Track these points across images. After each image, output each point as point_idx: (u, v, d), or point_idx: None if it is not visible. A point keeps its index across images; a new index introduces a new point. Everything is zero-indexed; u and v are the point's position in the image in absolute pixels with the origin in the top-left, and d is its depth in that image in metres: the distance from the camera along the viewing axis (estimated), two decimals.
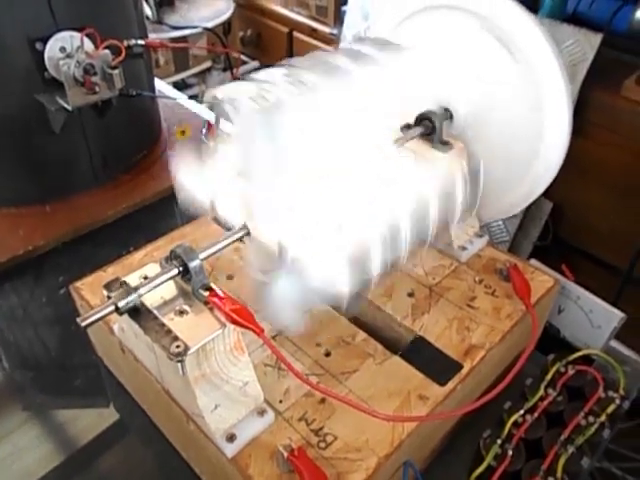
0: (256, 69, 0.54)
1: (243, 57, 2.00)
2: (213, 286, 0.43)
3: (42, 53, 0.68)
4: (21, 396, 0.63)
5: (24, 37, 0.68)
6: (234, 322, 0.41)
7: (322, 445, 0.45)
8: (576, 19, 1.07)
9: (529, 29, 0.51)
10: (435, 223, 0.53)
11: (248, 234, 0.47)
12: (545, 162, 0.56)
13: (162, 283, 0.43)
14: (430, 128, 0.58)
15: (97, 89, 0.69)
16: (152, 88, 0.95)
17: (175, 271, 0.43)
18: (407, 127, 0.59)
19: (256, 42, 2.00)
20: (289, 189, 0.45)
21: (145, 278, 0.44)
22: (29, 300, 0.71)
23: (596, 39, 0.96)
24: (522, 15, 0.51)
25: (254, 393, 0.46)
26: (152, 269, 0.45)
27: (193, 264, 0.42)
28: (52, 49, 0.68)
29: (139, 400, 0.58)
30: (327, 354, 0.53)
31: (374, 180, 0.50)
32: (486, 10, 0.54)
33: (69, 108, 0.70)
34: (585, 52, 0.87)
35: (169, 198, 0.88)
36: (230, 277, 0.60)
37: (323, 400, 0.49)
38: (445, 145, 0.58)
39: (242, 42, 2.01)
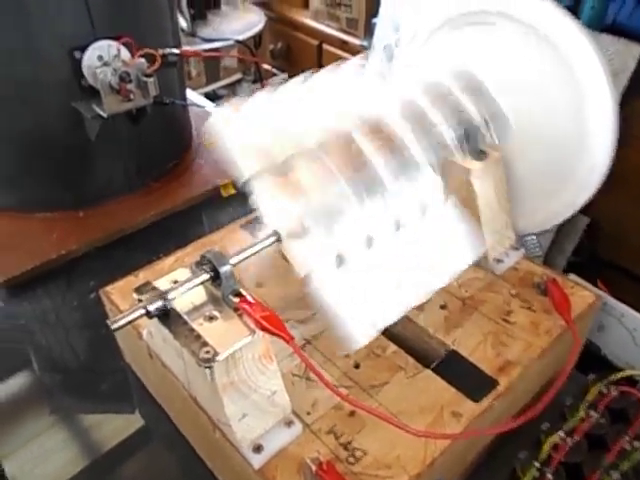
0: (285, 81, 0.54)
1: (273, 69, 2.02)
2: (243, 292, 0.42)
3: (80, 61, 0.70)
4: (49, 399, 0.63)
5: (64, 46, 0.69)
6: (264, 329, 0.40)
7: (351, 460, 0.44)
8: (615, 29, 1.05)
9: (572, 33, 0.50)
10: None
11: (279, 241, 0.46)
12: (590, 168, 0.53)
13: (192, 288, 0.42)
14: (467, 136, 0.57)
15: (132, 97, 0.70)
16: (184, 97, 0.96)
17: (205, 276, 0.42)
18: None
19: (286, 55, 2.02)
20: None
21: (175, 282, 0.43)
22: (61, 304, 0.72)
23: (637, 49, 0.93)
24: (566, 19, 0.50)
25: (282, 403, 0.45)
26: (182, 274, 0.45)
27: (223, 269, 0.42)
28: (90, 57, 0.69)
29: (165, 407, 0.58)
30: (356, 366, 0.52)
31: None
32: (529, 15, 0.52)
33: (104, 115, 0.71)
34: (626, 62, 0.84)
35: (199, 205, 0.89)
36: (260, 285, 0.60)
37: (353, 413, 0.47)
38: (481, 154, 0.57)
39: (272, 55, 2.03)
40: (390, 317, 0.48)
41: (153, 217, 0.84)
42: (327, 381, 0.40)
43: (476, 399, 0.48)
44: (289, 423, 0.45)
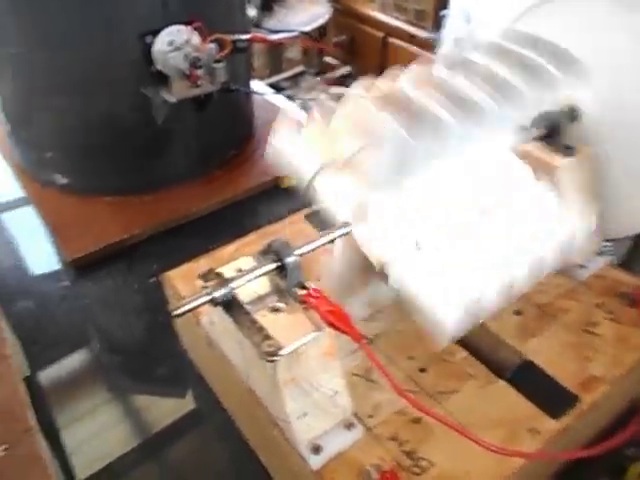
0: (348, 74, 0.52)
1: (336, 62, 1.99)
2: (309, 285, 0.40)
3: (151, 46, 0.70)
4: (106, 378, 0.63)
5: (136, 30, 0.69)
6: (331, 325, 0.37)
7: (416, 470, 0.41)
8: None
9: None
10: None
11: (350, 232, 0.43)
12: None
13: (257, 277, 0.40)
14: (551, 130, 0.53)
15: (200, 82, 0.70)
16: (249, 86, 0.96)
17: (271, 266, 0.40)
18: (523, 129, 0.54)
19: (350, 47, 1.99)
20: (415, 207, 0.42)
21: (240, 271, 0.42)
22: (122, 286, 0.72)
23: None
24: None
25: (343, 404, 0.43)
26: (246, 262, 0.44)
27: (290, 260, 0.40)
28: (161, 42, 0.69)
29: (220, 396, 0.57)
30: (422, 370, 0.49)
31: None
32: None
33: (172, 101, 0.71)
34: None
35: (256, 196, 0.88)
36: (319, 278, 0.57)
37: (418, 420, 0.44)
38: (569, 149, 0.52)
39: (336, 47, 2.01)
40: (489, 303, 0.44)
41: (214, 205, 0.84)
42: (397, 385, 0.37)
43: (555, 416, 0.44)
44: (350, 425, 0.43)
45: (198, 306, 0.38)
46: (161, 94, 0.72)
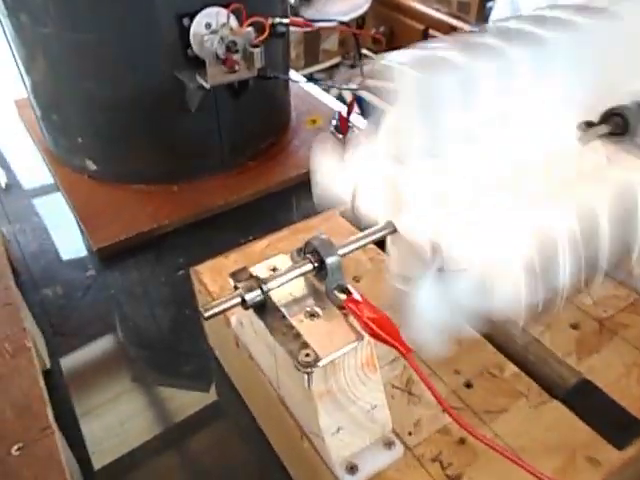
0: None
1: (373, 54, 1.94)
2: (350, 289, 0.36)
3: (188, 29, 0.67)
4: (129, 370, 0.61)
5: (173, 12, 0.66)
6: (374, 335, 0.34)
7: None
8: None
9: None
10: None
11: (394, 232, 0.39)
12: None
13: (293, 278, 0.37)
14: (621, 127, 0.47)
15: (237, 68, 0.67)
16: (287, 74, 0.92)
17: (309, 266, 0.37)
18: (588, 125, 0.49)
19: (389, 39, 1.93)
20: (450, 176, 0.37)
21: (274, 270, 0.38)
22: (149, 278, 0.70)
23: None
24: None
25: (382, 419, 0.39)
26: (282, 261, 0.40)
27: (331, 260, 0.36)
28: (198, 25, 0.66)
29: (247, 399, 0.54)
30: (468, 385, 0.44)
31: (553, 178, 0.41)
32: None
33: (207, 86, 0.68)
34: None
35: (291, 189, 0.84)
36: (357, 279, 0.54)
37: (462, 441, 0.40)
38: None
39: (373, 39, 1.96)
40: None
41: (246, 197, 0.81)
42: (445, 403, 0.33)
43: (620, 445, 0.39)
44: (389, 444, 0.39)
45: (229, 308, 0.34)
46: (196, 79, 0.69)
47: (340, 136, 0.91)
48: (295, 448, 0.43)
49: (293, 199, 0.84)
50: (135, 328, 0.65)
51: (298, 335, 0.34)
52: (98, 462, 0.51)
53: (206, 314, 0.33)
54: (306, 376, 0.34)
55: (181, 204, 0.78)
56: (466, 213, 0.37)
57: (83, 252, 0.74)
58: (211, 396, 0.58)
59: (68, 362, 0.60)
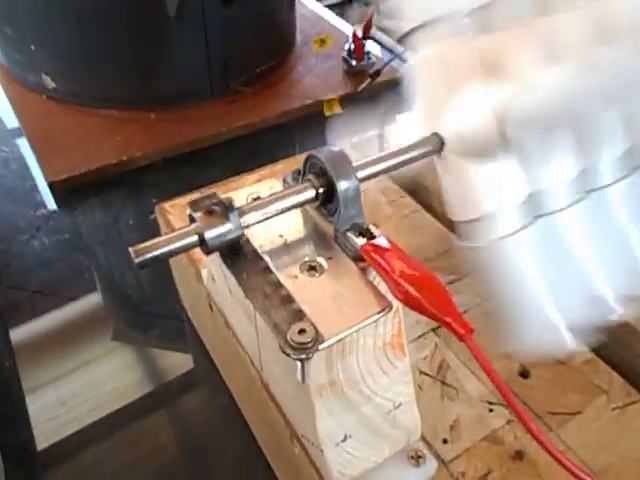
0: None
1: None
2: (373, 229, 0.24)
3: None
4: (82, 330, 0.49)
5: None
6: (411, 303, 0.21)
7: None
8: None
9: None
10: None
11: (439, 150, 0.26)
12: None
13: (285, 211, 0.24)
14: None
15: None
16: None
17: (310, 193, 0.24)
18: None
19: None
20: None
21: (257, 200, 0.25)
22: (114, 221, 0.57)
23: None
24: None
25: (408, 423, 0.27)
26: (268, 187, 0.27)
27: (345, 185, 0.23)
28: None
29: (225, 377, 0.42)
30: (523, 374, 0.32)
31: None
32: None
33: None
34: None
35: (292, 123, 0.71)
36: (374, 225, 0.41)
37: (519, 455, 0.28)
38: None
39: None
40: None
41: (238, 130, 0.68)
42: (526, 416, 0.21)
43: None
44: (417, 457, 0.27)
45: (174, 253, 0.21)
46: None
47: (354, 63, 0.76)
48: (283, 450, 0.31)
49: (295, 135, 0.71)
50: (91, 282, 0.53)
51: (289, 299, 0.22)
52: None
53: (137, 259, 0.21)
54: (299, 364, 0.21)
55: (158, 135, 0.65)
56: None
57: (36, 187, 0.61)
58: (180, 367, 0.46)
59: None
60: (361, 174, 0.24)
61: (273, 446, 0.35)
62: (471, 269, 0.36)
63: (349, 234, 0.23)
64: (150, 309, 0.50)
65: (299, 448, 0.28)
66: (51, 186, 0.58)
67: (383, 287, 0.23)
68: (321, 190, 0.24)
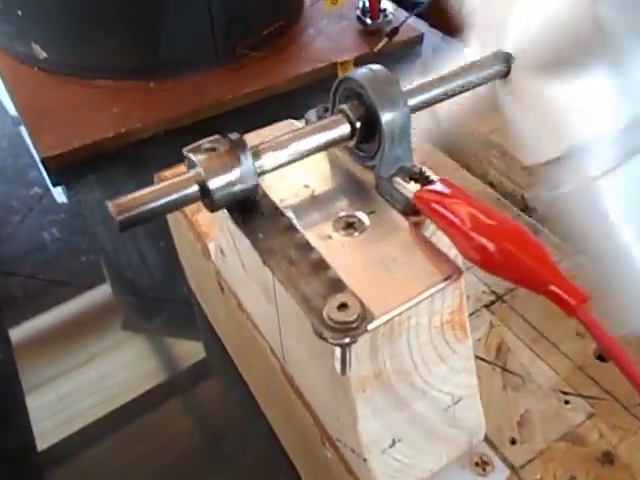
0: None
1: None
2: (428, 171, 0.18)
3: None
4: (80, 318, 0.44)
5: None
6: (492, 266, 0.15)
7: None
8: None
9: None
10: None
11: (508, 69, 0.20)
12: None
13: (312, 153, 0.18)
14: None
15: None
16: None
17: (343, 128, 0.18)
18: None
19: None
20: None
21: (275, 139, 0.20)
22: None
23: None
24: None
25: (470, 420, 0.22)
26: (287, 128, 0.21)
27: (391, 115, 0.17)
28: None
29: (239, 366, 0.37)
30: (601, 356, 0.27)
31: None
32: None
33: None
34: None
35: (304, 88, 0.65)
36: None
37: (609, 457, 0.23)
38: None
39: None
40: None
41: (245, 98, 0.62)
42: None
43: None
44: (483, 464, 0.22)
45: (167, 208, 0.16)
46: None
47: (369, 22, 0.70)
48: (311, 453, 0.26)
49: (307, 102, 0.64)
50: (89, 265, 0.48)
51: (322, 265, 0.16)
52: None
53: (119, 217, 0.15)
54: (338, 351, 0.16)
55: (159, 105, 0.59)
56: None
57: (29, 164, 0.55)
58: (190, 358, 0.41)
59: None
60: (412, 101, 0.18)
61: (298, 446, 0.30)
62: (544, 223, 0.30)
63: (396, 180, 0.18)
64: (157, 293, 0.44)
65: (332, 452, 0.23)
66: (44, 162, 0.53)
67: (445, 246, 0.17)
68: (358, 124, 0.18)
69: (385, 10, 0.71)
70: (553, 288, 0.14)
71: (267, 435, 0.33)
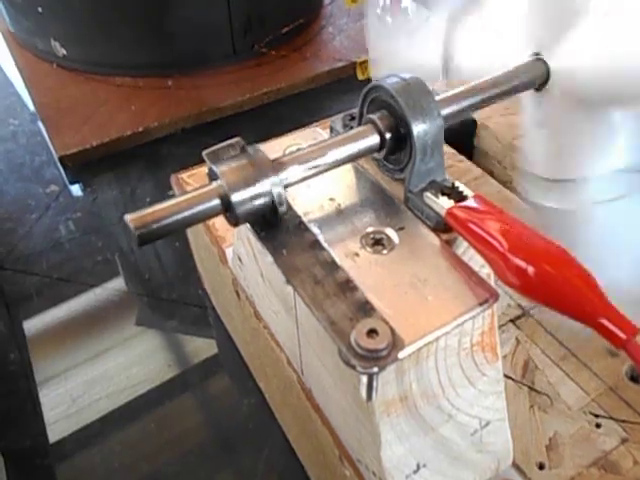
0: None
1: None
2: (461, 186, 0.17)
3: None
4: (93, 316, 0.44)
5: None
6: (532, 291, 0.14)
7: None
8: None
9: None
10: None
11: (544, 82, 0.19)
12: None
13: (338, 164, 0.17)
14: None
15: None
16: None
17: (372, 139, 0.17)
18: None
19: None
20: None
21: (298, 151, 0.19)
22: (130, 197, 0.52)
23: None
24: None
25: (498, 445, 0.21)
26: (312, 138, 0.21)
27: (423, 127, 0.16)
28: None
29: (254, 373, 0.36)
30: (634, 377, 0.25)
31: None
32: None
33: None
34: None
35: (323, 88, 0.64)
36: None
37: None
38: None
39: None
40: None
41: (263, 97, 0.61)
42: None
43: None
44: None
45: (188, 222, 0.15)
46: None
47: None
48: (328, 469, 0.25)
49: (326, 102, 0.64)
50: (105, 264, 0.47)
51: (349, 285, 0.15)
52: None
53: (138, 232, 0.15)
54: (365, 379, 0.15)
55: (176, 103, 0.59)
56: None
57: (46, 162, 0.55)
58: (201, 357, 0.40)
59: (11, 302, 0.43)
60: (446, 111, 0.17)
61: (315, 461, 0.29)
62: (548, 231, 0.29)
63: (427, 194, 0.17)
64: (171, 294, 0.44)
65: (351, 472, 0.22)
66: (61, 160, 0.53)
67: (476, 264, 0.16)
68: (388, 135, 0.17)
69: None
70: (603, 321, 0.13)
71: (281, 443, 0.33)
